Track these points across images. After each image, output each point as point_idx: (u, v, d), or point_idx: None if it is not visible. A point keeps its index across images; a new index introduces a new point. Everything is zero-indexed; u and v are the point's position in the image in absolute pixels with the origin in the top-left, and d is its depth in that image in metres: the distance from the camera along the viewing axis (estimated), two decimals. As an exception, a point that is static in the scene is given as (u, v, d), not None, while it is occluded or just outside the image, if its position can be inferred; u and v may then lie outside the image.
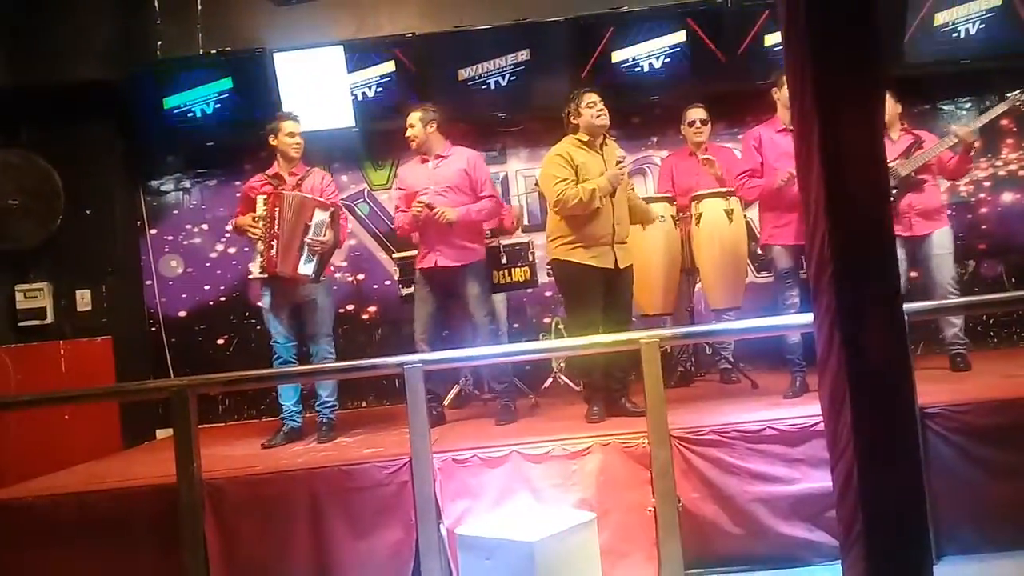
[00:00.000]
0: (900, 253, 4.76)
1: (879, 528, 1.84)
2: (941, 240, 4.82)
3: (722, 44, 5.82)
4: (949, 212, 6.20)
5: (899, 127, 4.91)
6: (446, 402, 5.33)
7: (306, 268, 4.62)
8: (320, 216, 4.64)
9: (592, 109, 4.45)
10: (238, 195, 6.40)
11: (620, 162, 4.41)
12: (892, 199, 4.73)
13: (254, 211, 4.68)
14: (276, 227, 4.58)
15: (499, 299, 5.61)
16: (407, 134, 4.84)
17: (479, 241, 4.92)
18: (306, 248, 4.60)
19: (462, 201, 4.73)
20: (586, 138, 4.49)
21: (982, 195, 6.33)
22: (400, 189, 4.93)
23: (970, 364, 4.79)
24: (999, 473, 3.59)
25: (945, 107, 6.38)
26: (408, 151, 5.05)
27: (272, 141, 4.79)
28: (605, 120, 4.46)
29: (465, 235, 4.78)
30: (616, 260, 4.40)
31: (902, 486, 1.86)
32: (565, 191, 4.35)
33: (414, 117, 4.83)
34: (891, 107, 4.85)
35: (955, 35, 5.71)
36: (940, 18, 5.70)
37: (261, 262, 4.64)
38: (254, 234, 4.65)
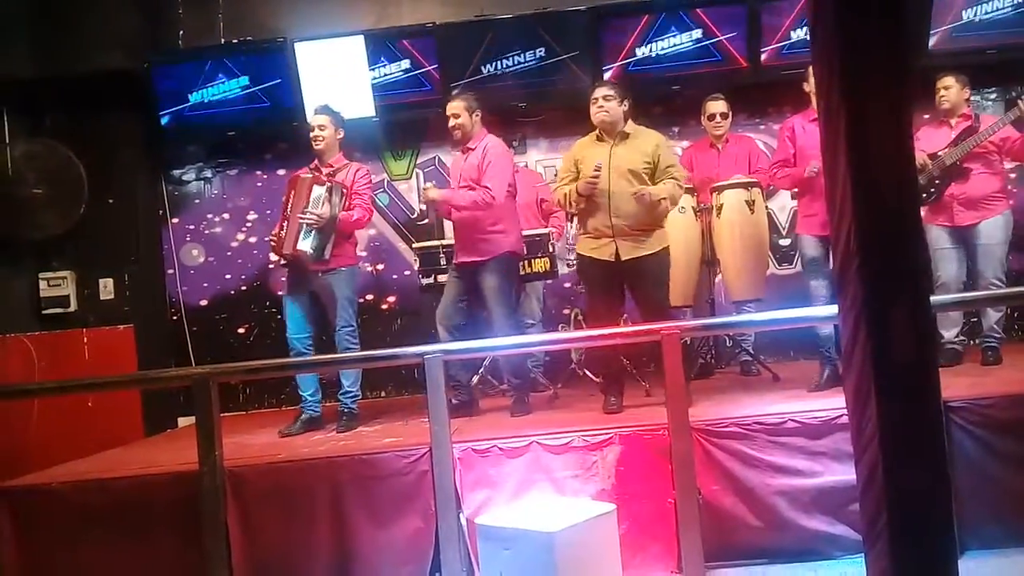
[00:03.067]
0: (950, 243, 4.76)
1: (904, 522, 1.83)
2: (988, 230, 4.71)
3: (744, 34, 5.78)
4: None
5: (960, 113, 4.86)
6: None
7: (304, 244, 4.63)
8: (317, 191, 4.66)
9: (593, 105, 4.42)
10: (259, 184, 6.55)
11: (596, 171, 4.26)
12: (934, 190, 4.70)
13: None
14: (288, 209, 4.68)
15: (532, 291, 5.61)
16: (451, 124, 4.74)
17: (499, 233, 4.70)
18: (303, 223, 4.62)
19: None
20: (597, 132, 4.48)
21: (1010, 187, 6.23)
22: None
23: (1000, 358, 4.74)
24: (1024, 467, 3.56)
25: (972, 97, 6.27)
26: (430, 140, 5.03)
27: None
28: (604, 115, 4.39)
29: (483, 228, 4.68)
30: (617, 252, 4.37)
31: (928, 480, 1.84)
32: (556, 189, 4.58)
33: (458, 106, 4.73)
34: (956, 93, 4.81)
35: (982, 25, 5.64)
36: (968, 12, 5.64)
37: (274, 246, 4.74)
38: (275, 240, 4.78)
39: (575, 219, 5.58)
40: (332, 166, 4.85)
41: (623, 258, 4.36)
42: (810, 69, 4.54)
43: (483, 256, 4.69)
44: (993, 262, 4.71)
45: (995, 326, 4.81)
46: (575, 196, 4.37)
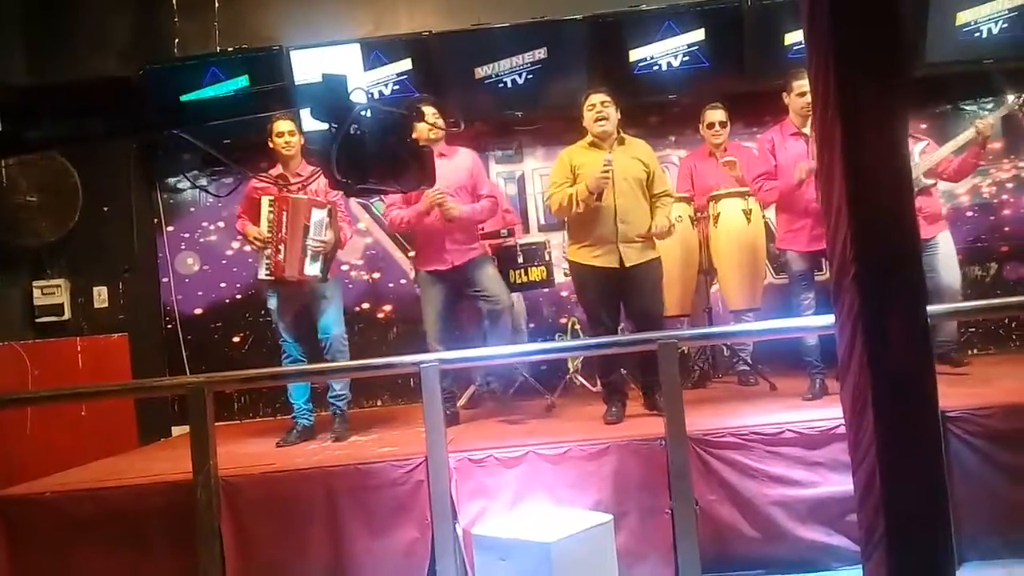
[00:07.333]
0: None
1: (901, 532, 1.82)
2: (946, 240, 4.84)
3: (741, 43, 5.77)
4: (970, 213, 6.19)
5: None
6: (461, 402, 5.32)
7: (312, 269, 4.60)
8: (318, 215, 4.60)
9: (591, 112, 4.41)
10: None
11: (607, 166, 4.25)
12: None
13: (257, 212, 4.63)
14: (283, 231, 4.55)
15: (515, 297, 5.57)
16: (432, 125, 4.67)
17: (476, 241, 4.85)
18: (309, 249, 4.57)
19: (466, 201, 4.70)
20: (591, 139, 4.47)
21: (1005, 196, 6.24)
22: None
23: (962, 361, 4.90)
24: (1022, 478, 3.54)
25: (967, 107, 6.30)
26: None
27: (270, 144, 4.71)
28: (604, 126, 4.39)
29: (463, 237, 4.73)
30: (621, 259, 4.36)
31: (925, 490, 1.83)
32: (552, 195, 4.47)
33: (434, 113, 4.73)
34: None
35: (977, 35, 5.65)
36: (962, 17, 5.63)
37: (268, 265, 4.62)
38: (258, 245, 4.65)
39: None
40: (300, 175, 4.69)
41: (627, 264, 4.35)
42: (793, 80, 4.58)
43: (477, 254, 4.77)
44: (956, 272, 4.84)
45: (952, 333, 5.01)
46: (585, 195, 4.28)
